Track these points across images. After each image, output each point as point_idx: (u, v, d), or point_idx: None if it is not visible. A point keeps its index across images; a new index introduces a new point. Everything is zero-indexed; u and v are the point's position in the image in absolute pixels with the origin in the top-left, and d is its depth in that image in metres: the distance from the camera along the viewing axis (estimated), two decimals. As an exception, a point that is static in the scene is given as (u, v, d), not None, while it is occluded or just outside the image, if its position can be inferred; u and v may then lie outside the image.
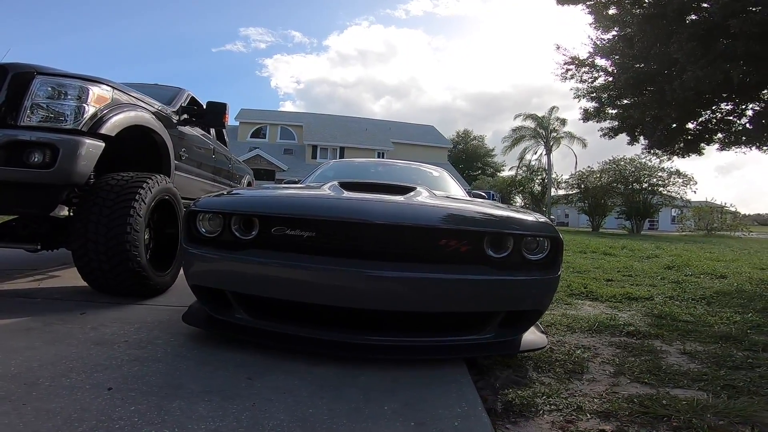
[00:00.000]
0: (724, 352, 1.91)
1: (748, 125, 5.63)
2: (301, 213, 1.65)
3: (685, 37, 4.53)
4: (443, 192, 3.06)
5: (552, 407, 1.41)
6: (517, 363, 1.76)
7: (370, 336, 1.62)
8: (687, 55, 4.45)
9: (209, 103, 3.70)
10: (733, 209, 23.03)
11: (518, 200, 32.18)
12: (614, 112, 6.64)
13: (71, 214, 2.52)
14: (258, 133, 29.82)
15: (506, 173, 38.41)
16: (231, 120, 29.91)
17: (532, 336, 1.75)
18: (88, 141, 2.18)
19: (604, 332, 2.29)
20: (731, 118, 5.86)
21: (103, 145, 2.27)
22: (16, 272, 3.17)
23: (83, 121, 2.18)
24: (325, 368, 1.59)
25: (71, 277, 2.58)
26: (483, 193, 3.74)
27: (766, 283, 4.09)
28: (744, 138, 5.90)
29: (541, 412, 1.39)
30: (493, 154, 49.28)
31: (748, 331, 2.26)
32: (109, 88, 2.38)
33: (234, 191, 2.11)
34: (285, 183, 3.83)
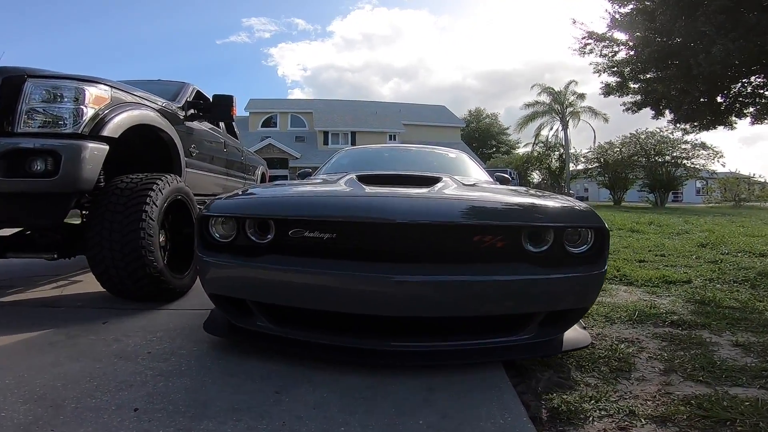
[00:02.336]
0: (780, 345, 1.76)
1: None
2: (319, 214, 1.53)
3: (713, 9, 4.22)
4: (467, 178, 2.91)
5: (602, 413, 1.31)
6: (558, 362, 1.65)
7: (401, 342, 1.52)
8: (716, 28, 4.14)
9: (215, 96, 3.61)
10: (762, 180, 22.15)
11: (536, 176, 31.70)
12: (637, 86, 6.29)
13: (84, 220, 2.45)
14: (269, 123, 29.89)
15: (521, 150, 37.73)
16: (240, 111, 29.98)
17: (573, 333, 1.63)
18: (91, 144, 2.09)
19: (645, 322, 2.15)
20: (764, 91, 5.49)
21: (107, 147, 2.18)
22: (41, 279, 3.18)
23: (83, 124, 2.07)
24: (356, 378, 1.51)
25: (93, 282, 2.57)
26: (506, 175, 3.58)
27: (812, 259, 3.85)
28: None
29: (590, 418, 1.28)
30: (507, 132, 48.20)
31: (805, 318, 2.10)
32: (107, 88, 2.27)
33: (248, 191, 2.00)
34: (299, 174, 3.72)
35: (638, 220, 8.89)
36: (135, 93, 2.59)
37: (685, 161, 20.71)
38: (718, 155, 20.13)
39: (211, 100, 3.68)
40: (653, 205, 20.34)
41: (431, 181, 1.82)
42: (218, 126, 4.28)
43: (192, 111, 3.42)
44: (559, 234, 1.49)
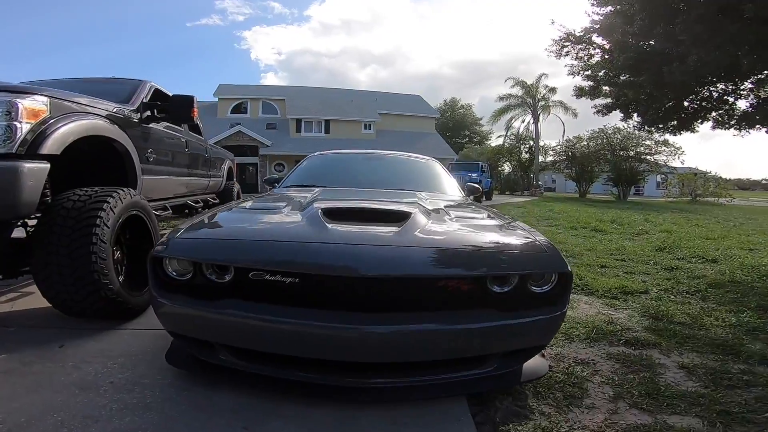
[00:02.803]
0: (721, 367, 1.88)
1: (750, 109, 5.55)
2: (279, 263, 1.49)
3: (693, 18, 4.35)
4: (438, 196, 2.93)
5: (553, 447, 1.37)
6: (517, 389, 1.71)
7: (367, 379, 1.54)
8: (693, 37, 4.28)
9: (174, 97, 3.43)
10: (716, 176, 23.45)
11: (506, 168, 32.49)
12: (608, 90, 6.50)
13: (29, 235, 2.29)
14: (239, 109, 29.05)
15: (494, 141, 38.48)
16: (209, 96, 29.22)
17: (533, 362, 1.69)
18: (28, 165, 1.88)
19: (601, 341, 2.25)
20: (728, 98, 5.76)
21: (48, 166, 2.00)
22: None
23: (17, 143, 1.87)
24: (324, 411, 1.52)
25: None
26: (477, 185, 3.62)
27: (756, 269, 4.11)
28: (741, 119, 5.87)
29: (542, 453, 1.34)
30: (480, 123, 48.94)
31: (744, 337, 2.24)
32: (43, 99, 2.05)
33: (206, 223, 1.88)
34: (265, 181, 3.63)
35: (601, 217, 9.23)
36: (79, 100, 2.37)
37: (647, 157, 21.84)
38: (679, 152, 21.31)
39: (171, 97, 3.50)
40: (616, 198, 21.33)
41: (400, 217, 1.78)
42: (179, 124, 4.09)
43: (148, 113, 3.22)
44: (524, 277, 1.54)
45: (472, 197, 3.46)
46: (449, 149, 29.71)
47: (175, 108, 3.38)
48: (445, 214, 2.03)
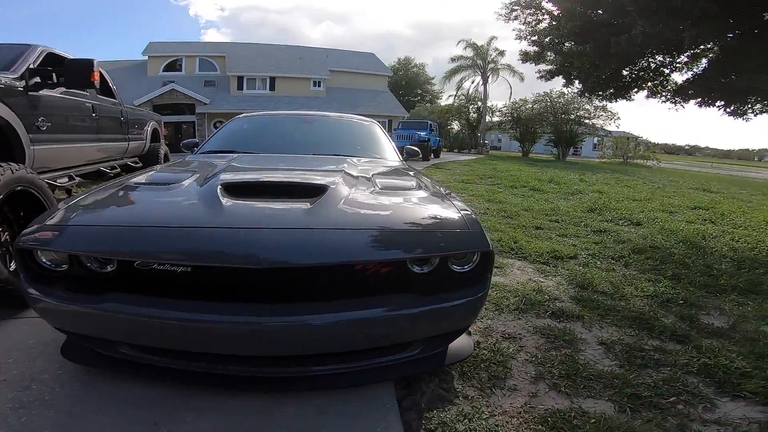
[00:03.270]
0: (636, 343, 1.93)
1: (684, 82, 5.72)
2: (162, 253, 1.24)
3: None
4: (373, 160, 2.70)
5: (472, 435, 1.33)
6: (444, 370, 1.66)
7: (287, 367, 1.39)
8: (640, 9, 4.18)
9: (70, 62, 2.94)
10: (646, 141, 25.25)
11: (455, 126, 33.07)
12: (553, 57, 6.47)
13: None
14: (173, 66, 26.82)
15: (444, 101, 38.66)
16: (137, 55, 26.36)
17: (458, 342, 1.62)
18: None
19: (530, 311, 2.26)
20: (665, 69, 5.91)
21: None
22: None
23: None
24: (242, 400, 1.39)
25: None
26: (416, 148, 3.42)
27: (674, 234, 4.38)
28: (676, 92, 6.08)
29: (461, 443, 1.30)
30: (432, 82, 48.76)
31: (659, 309, 2.34)
32: None
33: (81, 203, 1.54)
34: (183, 145, 3.22)
35: (540, 177, 9.52)
36: None
37: (586, 121, 23.34)
38: (615, 117, 22.85)
39: (66, 61, 3.00)
40: (556, 158, 22.55)
41: (315, 192, 1.55)
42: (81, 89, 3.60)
43: (37, 80, 2.74)
44: (445, 259, 1.41)
45: (409, 160, 3.27)
46: (401, 107, 29.24)
47: (71, 73, 2.92)
48: (371, 185, 1.84)
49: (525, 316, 2.22)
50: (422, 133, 17.23)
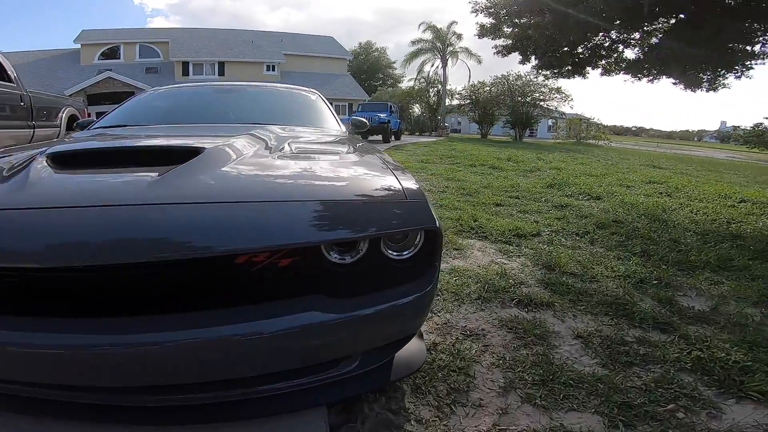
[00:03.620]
0: (616, 335, 1.65)
1: (639, 56, 5.62)
2: None
3: None
4: (306, 130, 2.19)
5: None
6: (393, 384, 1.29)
7: (178, 395, 0.96)
8: None
9: None
10: (597, 122, 26.04)
11: (416, 110, 33.23)
12: (510, 31, 6.20)
13: None
14: (112, 55, 25.05)
15: (405, 84, 38.57)
16: (69, 43, 24.18)
17: (408, 350, 1.24)
18: None
19: (494, 300, 1.94)
20: (618, 46, 5.78)
21: None
22: None
23: None
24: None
25: None
26: (364, 119, 2.94)
27: (635, 208, 4.24)
28: (629, 66, 6.01)
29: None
30: (393, 66, 48.35)
31: (634, 292, 2.08)
32: None
33: None
34: (77, 125, 2.64)
35: (499, 155, 9.35)
36: None
37: (542, 103, 23.77)
38: (569, 98, 23.48)
39: None
40: (513, 140, 23.00)
41: (185, 157, 1.07)
42: None
43: None
44: (376, 242, 1.00)
45: (357, 133, 2.76)
46: (361, 91, 28.57)
47: None
48: (280, 149, 1.40)
49: (489, 306, 1.89)
50: (382, 115, 16.58)
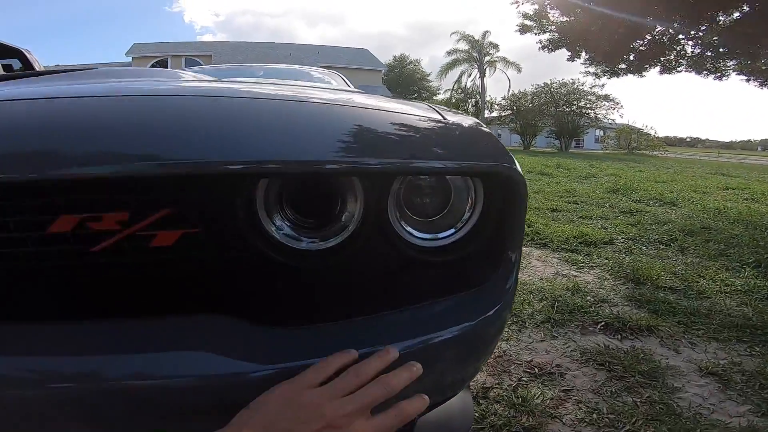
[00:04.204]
0: (763, 368, 1.09)
1: (706, 52, 4.90)
2: None
3: None
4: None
5: None
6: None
7: None
8: None
9: None
10: (652, 132, 24.21)
11: None
12: (558, 19, 5.58)
13: None
14: (160, 66, 26.49)
15: (441, 97, 38.38)
16: (121, 57, 26.03)
17: (444, 410, 0.72)
18: None
19: (568, 324, 1.41)
20: (681, 37, 5.06)
21: None
22: None
23: None
24: None
25: None
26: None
27: (723, 214, 3.53)
28: (689, 62, 5.28)
29: None
30: (429, 79, 48.54)
31: (762, 306, 1.49)
32: None
33: None
34: None
35: (546, 163, 8.68)
36: None
37: (589, 111, 22.52)
38: (618, 106, 22.05)
39: None
40: (558, 150, 21.86)
41: None
42: None
43: None
44: (379, 198, 0.47)
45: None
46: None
47: None
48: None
49: (562, 331, 1.37)
50: None
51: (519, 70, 29.37)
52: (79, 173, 0.36)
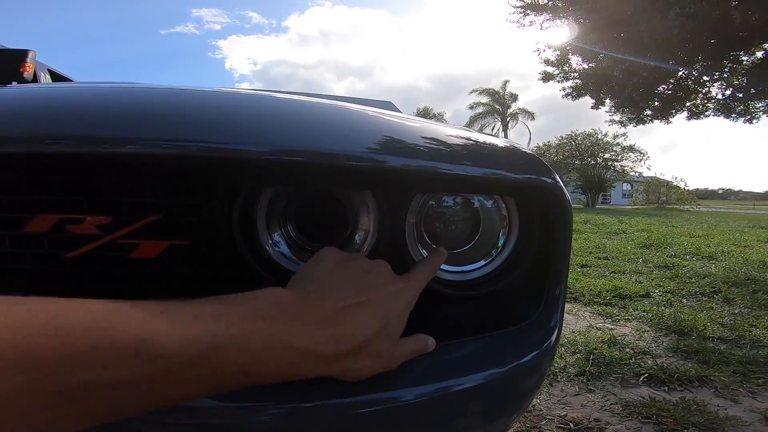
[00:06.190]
0: None
1: (737, 92, 4.88)
2: None
3: None
4: None
5: None
6: None
7: None
8: None
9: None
10: (682, 184, 23.50)
11: None
12: (580, 65, 5.67)
13: None
14: None
15: None
16: None
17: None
18: None
19: (606, 377, 1.30)
20: (706, 78, 5.08)
21: None
22: None
23: None
24: None
25: None
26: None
27: (770, 263, 3.32)
28: (717, 106, 5.26)
29: None
30: None
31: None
32: None
33: None
34: None
35: (574, 219, 8.52)
36: None
37: (615, 163, 22.09)
38: (645, 157, 21.62)
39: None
40: (585, 205, 21.33)
41: None
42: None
43: None
44: (395, 224, 0.43)
45: None
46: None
47: None
48: None
49: (600, 384, 1.25)
50: None
51: (533, 118, 29.88)
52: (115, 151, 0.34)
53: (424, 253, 0.47)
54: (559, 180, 0.46)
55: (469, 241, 0.49)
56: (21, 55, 2.55)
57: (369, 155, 0.37)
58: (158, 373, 0.21)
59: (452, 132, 0.47)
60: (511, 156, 0.47)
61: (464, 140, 0.46)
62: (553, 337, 0.46)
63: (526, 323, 0.46)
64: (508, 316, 0.47)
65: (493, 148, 0.47)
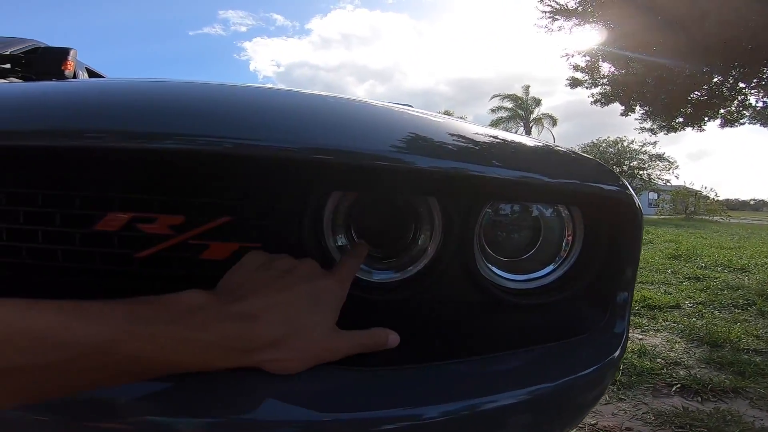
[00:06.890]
0: None
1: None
2: None
3: None
4: None
5: None
6: None
7: None
8: None
9: (43, 51, 2.55)
10: (712, 194, 22.68)
11: None
12: (610, 72, 5.53)
13: None
14: None
15: None
16: None
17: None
18: None
19: (638, 386, 1.30)
20: (743, 85, 4.92)
21: None
22: None
23: None
24: None
25: None
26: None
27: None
28: (754, 114, 5.09)
29: None
30: None
31: None
32: None
33: None
34: None
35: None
36: None
37: (641, 172, 21.45)
38: (673, 165, 20.89)
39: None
40: None
41: None
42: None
43: (7, 66, 2.35)
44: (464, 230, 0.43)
45: None
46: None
47: (43, 61, 2.51)
48: None
49: (631, 394, 1.26)
50: None
51: (555, 123, 29.33)
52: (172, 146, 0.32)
53: (488, 264, 0.49)
54: (629, 186, 0.44)
55: (530, 249, 0.50)
56: (63, 53, 2.66)
57: (444, 164, 0.36)
58: (60, 360, 0.23)
59: (521, 140, 0.47)
60: (578, 163, 0.46)
61: (534, 149, 0.46)
62: (618, 349, 0.43)
63: (587, 334, 0.44)
64: (571, 325, 0.46)
65: (556, 154, 0.46)
